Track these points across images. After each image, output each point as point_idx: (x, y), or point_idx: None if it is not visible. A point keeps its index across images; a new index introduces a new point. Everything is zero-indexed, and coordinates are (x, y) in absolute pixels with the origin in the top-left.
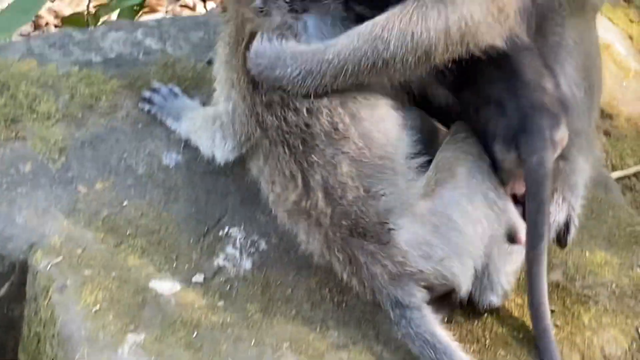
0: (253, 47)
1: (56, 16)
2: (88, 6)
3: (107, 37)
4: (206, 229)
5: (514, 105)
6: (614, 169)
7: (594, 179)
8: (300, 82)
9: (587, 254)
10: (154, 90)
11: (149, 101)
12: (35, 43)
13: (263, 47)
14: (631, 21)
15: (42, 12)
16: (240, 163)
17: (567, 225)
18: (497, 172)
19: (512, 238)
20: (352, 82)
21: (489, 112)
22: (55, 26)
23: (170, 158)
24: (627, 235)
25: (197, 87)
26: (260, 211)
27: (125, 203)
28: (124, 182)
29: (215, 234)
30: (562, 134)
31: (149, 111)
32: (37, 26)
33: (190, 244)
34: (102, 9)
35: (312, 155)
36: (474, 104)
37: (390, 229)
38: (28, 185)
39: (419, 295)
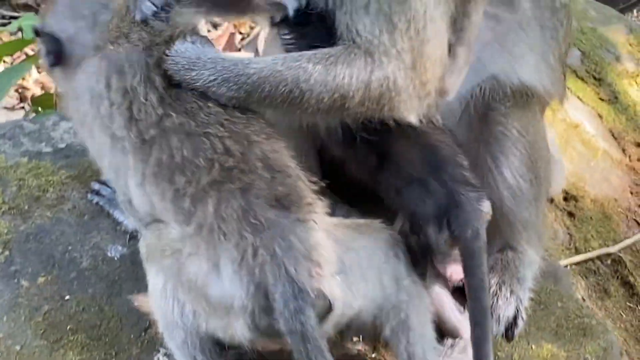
0: (175, 46)
1: (42, 87)
2: (57, 87)
3: (58, 127)
4: (148, 323)
5: (438, 182)
6: (577, 252)
7: (544, 269)
8: (215, 88)
9: (534, 347)
10: (103, 183)
11: (97, 193)
12: None
13: (184, 47)
14: (601, 100)
15: (29, 84)
16: None
17: (515, 318)
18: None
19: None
20: (265, 106)
21: (413, 193)
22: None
23: (116, 250)
24: (576, 327)
25: None
26: None
27: (67, 297)
28: (67, 275)
29: (156, 328)
30: (488, 207)
31: (97, 203)
32: (22, 98)
33: (131, 339)
34: None
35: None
36: (395, 185)
37: None
38: None
39: None
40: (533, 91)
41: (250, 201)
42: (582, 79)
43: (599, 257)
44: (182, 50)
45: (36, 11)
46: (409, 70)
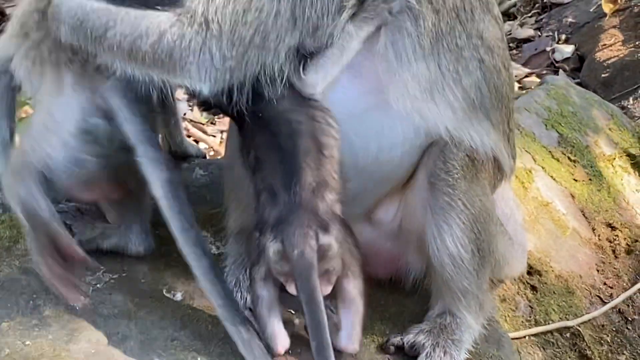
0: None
1: None
2: None
3: None
4: None
5: (287, 199)
6: (537, 324)
7: (487, 335)
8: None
9: None
10: None
11: None
12: None
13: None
14: (575, 180)
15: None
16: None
17: None
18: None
19: None
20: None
21: (265, 199)
22: None
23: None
24: None
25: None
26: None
27: (27, 342)
28: (29, 321)
29: None
30: (328, 240)
31: None
32: None
33: None
34: None
35: None
36: (258, 187)
37: None
38: None
39: None
40: (482, 163)
41: None
42: (558, 160)
43: (558, 330)
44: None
45: None
46: (213, 38)
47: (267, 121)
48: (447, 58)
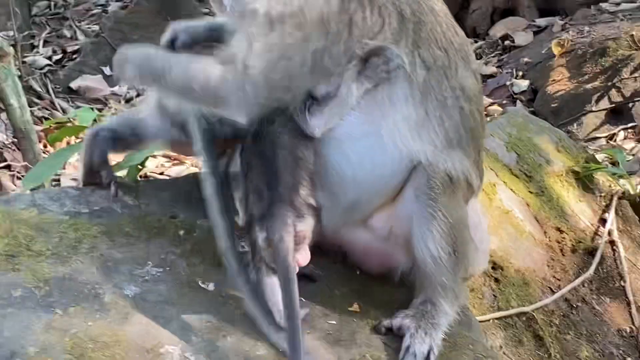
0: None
1: None
2: None
3: (94, 194)
4: (150, 346)
5: (269, 196)
6: (499, 309)
7: (460, 320)
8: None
9: None
10: None
11: None
12: (38, 196)
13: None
14: (530, 192)
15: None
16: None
17: (428, 353)
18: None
19: None
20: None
21: (254, 198)
22: None
23: (130, 289)
24: None
25: (160, 234)
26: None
27: (90, 324)
28: (91, 307)
29: (157, 351)
30: (304, 227)
31: None
32: None
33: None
34: (114, 168)
35: None
36: (249, 189)
37: None
38: (17, 307)
39: None
40: (458, 181)
41: None
42: (516, 176)
43: (516, 315)
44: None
45: (105, 105)
46: (249, 81)
47: (261, 137)
48: (434, 106)
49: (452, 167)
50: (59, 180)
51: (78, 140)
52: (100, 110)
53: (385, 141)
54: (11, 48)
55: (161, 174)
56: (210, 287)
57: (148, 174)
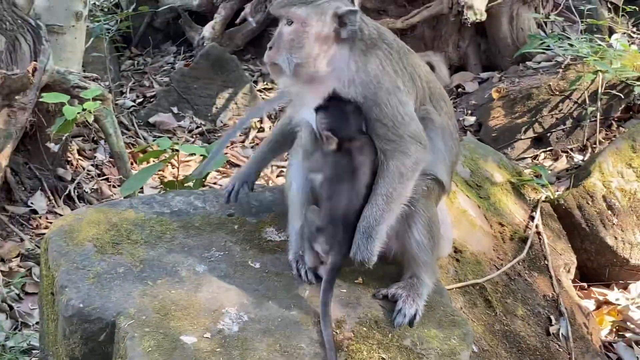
0: None
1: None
2: (177, 177)
3: (174, 199)
4: (215, 307)
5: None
6: (459, 281)
7: (435, 289)
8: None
9: (425, 330)
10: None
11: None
12: (134, 201)
13: None
14: (480, 197)
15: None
16: (239, 276)
17: (414, 315)
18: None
19: None
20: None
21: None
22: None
23: (200, 267)
24: (449, 321)
25: (221, 228)
26: (245, 299)
27: (172, 292)
28: (173, 279)
29: (220, 311)
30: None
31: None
32: (162, 182)
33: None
34: (185, 179)
35: None
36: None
37: None
38: (120, 279)
39: None
40: (432, 189)
41: None
42: (470, 186)
43: (472, 285)
44: None
45: (174, 134)
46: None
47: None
48: (446, 138)
49: (438, 175)
50: (142, 190)
51: (157, 161)
52: (170, 138)
53: None
54: (109, 94)
55: (215, 183)
56: (257, 265)
57: (205, 183)
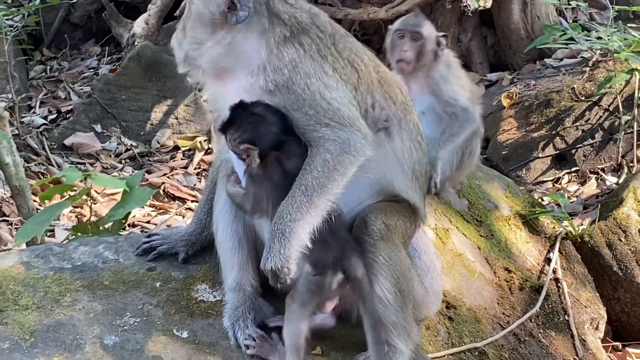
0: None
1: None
2: (89, 219)
3: (77, 250)
4: None
5: (334, 242)
6: (453, 346)
7: (414, 356)
8: None
9: None
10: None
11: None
12: (25, 254)
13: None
14: (481, 236)
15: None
16: (160, 348)
17: None
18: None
19: None
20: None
21: (318, 246)
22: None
23: (110, 339)
24: None
25: (138, 286)
26: None
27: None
28: (73, 356)
29: None
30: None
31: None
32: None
33: None
34: (99, 221)
35: None
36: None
37: None
38: (3, 358)
39: None
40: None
41: None
42: (468, 221)
43: (469, 350)
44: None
45: (97, 159)
46: None
47: None
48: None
49: (409, 197)
50: (53, 230)
51: (65, 198)
52: (92, 164)
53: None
54: (5, 112)
55: (148, 222)
56: (184, 334)
57: (136, 222)
